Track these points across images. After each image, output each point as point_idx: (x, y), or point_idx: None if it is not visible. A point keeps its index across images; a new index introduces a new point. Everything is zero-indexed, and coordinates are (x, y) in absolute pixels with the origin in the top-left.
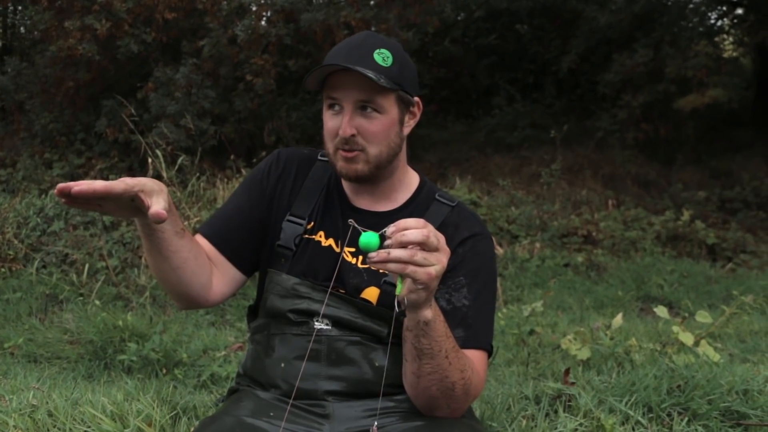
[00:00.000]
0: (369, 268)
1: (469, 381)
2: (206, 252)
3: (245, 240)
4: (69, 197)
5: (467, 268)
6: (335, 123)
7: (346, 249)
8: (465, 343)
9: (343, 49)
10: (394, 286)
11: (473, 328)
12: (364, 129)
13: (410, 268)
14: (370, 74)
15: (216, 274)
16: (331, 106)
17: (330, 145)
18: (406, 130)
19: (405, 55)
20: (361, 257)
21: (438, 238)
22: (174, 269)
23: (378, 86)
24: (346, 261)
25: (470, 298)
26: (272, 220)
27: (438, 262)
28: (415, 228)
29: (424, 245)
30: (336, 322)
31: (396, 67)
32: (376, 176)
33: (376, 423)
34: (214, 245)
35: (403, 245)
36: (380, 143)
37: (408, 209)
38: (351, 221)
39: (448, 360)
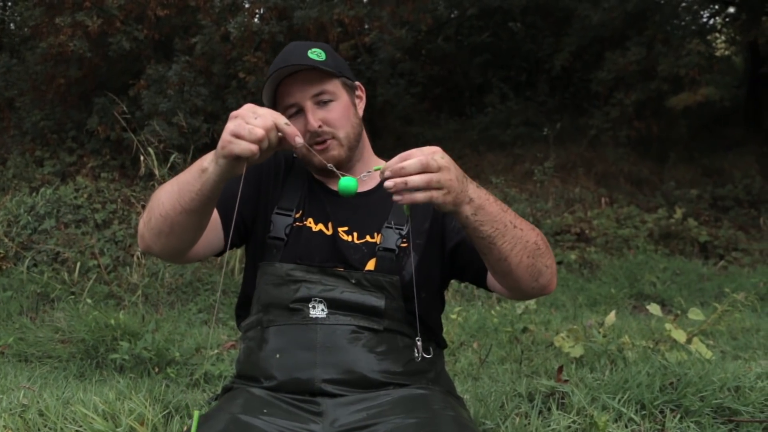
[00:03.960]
0: (366, 242)
1: (541, 235)
2: None
3: (241, 212)
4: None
5: None
6: (299, 125)
7: (340, 229)
8: None
9: (279, 60)
10: (389, 250)
11: None
12: (326, 118)
13: (433, 194)
14: (314, 64)
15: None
16: (290, 115)
17: None
18: (360, 112)
19: (334, 51)
20: (356, 234)
21: (434, 159)
22: (200, 228)
23: (323, 74)
24: (343, 240)
25: None
26: (260, 211)
27: (448, 177)
28: (408, 159)
29: (427, 169)
30: (332, 303)
31: (330, 59)
32: (350, 158)
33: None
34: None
35: (405, 185)
36: (345, 126)
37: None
38: (330, 165)
39: (517, 228)
